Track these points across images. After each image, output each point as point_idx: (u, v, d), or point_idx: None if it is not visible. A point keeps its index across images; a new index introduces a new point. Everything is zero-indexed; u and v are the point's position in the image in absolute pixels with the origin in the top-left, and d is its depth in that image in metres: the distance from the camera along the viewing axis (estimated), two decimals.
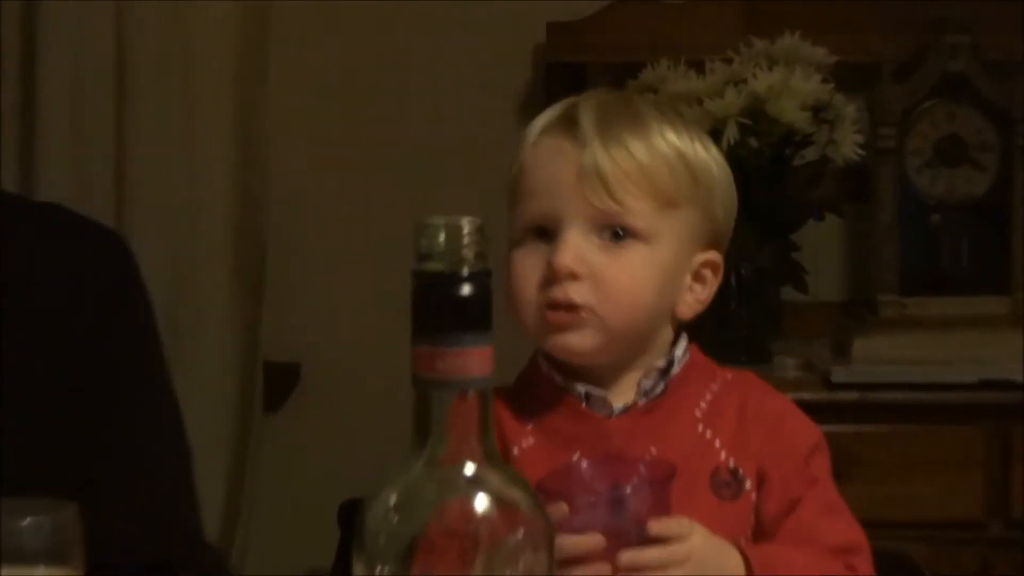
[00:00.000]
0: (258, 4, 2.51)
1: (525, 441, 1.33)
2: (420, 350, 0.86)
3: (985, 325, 2.32)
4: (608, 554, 1.17)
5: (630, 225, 1.29)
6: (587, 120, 1.31)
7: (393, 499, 0.87)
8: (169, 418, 1.55)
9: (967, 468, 2.25)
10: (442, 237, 0.86)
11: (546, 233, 1.31)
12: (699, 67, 2.34)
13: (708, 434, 1.32)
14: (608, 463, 1.22)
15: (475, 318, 0.86)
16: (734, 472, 1.31)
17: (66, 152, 2.41)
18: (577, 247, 1.29)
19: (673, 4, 2.57)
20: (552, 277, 1.29)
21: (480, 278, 0.86)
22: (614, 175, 1.29)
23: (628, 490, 1.18)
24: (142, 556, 1.42)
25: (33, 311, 1.46)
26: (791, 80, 2.27)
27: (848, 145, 2.33)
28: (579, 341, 1.30)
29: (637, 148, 1.30)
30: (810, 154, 2.36)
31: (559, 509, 1.16)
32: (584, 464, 1.23)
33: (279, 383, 2.63)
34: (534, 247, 1.31)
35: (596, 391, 1.32)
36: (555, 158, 1.31)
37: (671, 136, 1.32)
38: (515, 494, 0.87)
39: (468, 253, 0.86)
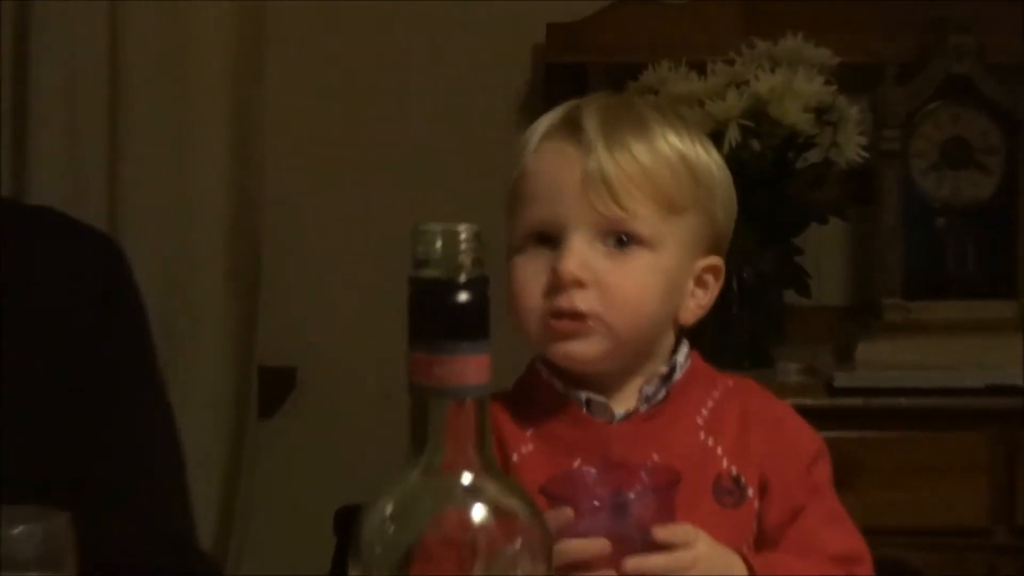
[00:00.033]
0: (254, 4, 2.51)
1: (525, 447, 1.33)
2: (417, 357, 0.86)
3: (990, 330, 2.32)
4: (612, 560, 1.17)
5: (635, 231, 1.30)
6: (591, 125, 1.31)
7: (389, 508, 0.87)
8: (162, 423, 1.55)
9: (972, 474, 2.25)
10: (439, 243, 0.86)
11: (548, 239, 1.31)
12: (700, 68, 2.34)
13: (710, 441, 1.33)
14: (613, 469, 1.22)
15: (472, 325, 0.86)
16: (736, 479, 1.31)
17: (59, 153, 2.41)
18: (582, 254, 1.29)
19: (674, 4, 2.57)
20: (556, 285, 1.29)
21: (477, 285, 0.86)
22: (619, 181, 1.29)
23: (633, 496, 1.19)
24: (134, 563, 1.42)
25: (26, 315, 1.46)
26: (794, 81, 2.27)
27: (851, 147, 2.33)
28: (584, 349, 1.30)
29: (641, 153, 1.30)
30: (813, 156, 2.36)
31: (563, 514, 1.17)
32: (589, 470, 1.23)
33: (274, 388, 2.63)
34: (536, 253, 1.31)
35: (597, 397, 1.32)
36: (558, 163, 1.31)
37: (673, 139, 1.32)
38: (513, 503, 0.87)
39: (465, 259, 0.86)
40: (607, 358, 1.31)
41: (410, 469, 0.87)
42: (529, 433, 1.33)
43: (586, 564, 1.17)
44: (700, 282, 1.35)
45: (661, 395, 1.33)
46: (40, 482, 1.38)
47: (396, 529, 0.86)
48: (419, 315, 0.86)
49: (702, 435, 1.33)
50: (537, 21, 2.58)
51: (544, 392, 1.34)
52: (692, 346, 1.37)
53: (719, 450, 1.32)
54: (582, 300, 1.29)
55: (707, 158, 1.34)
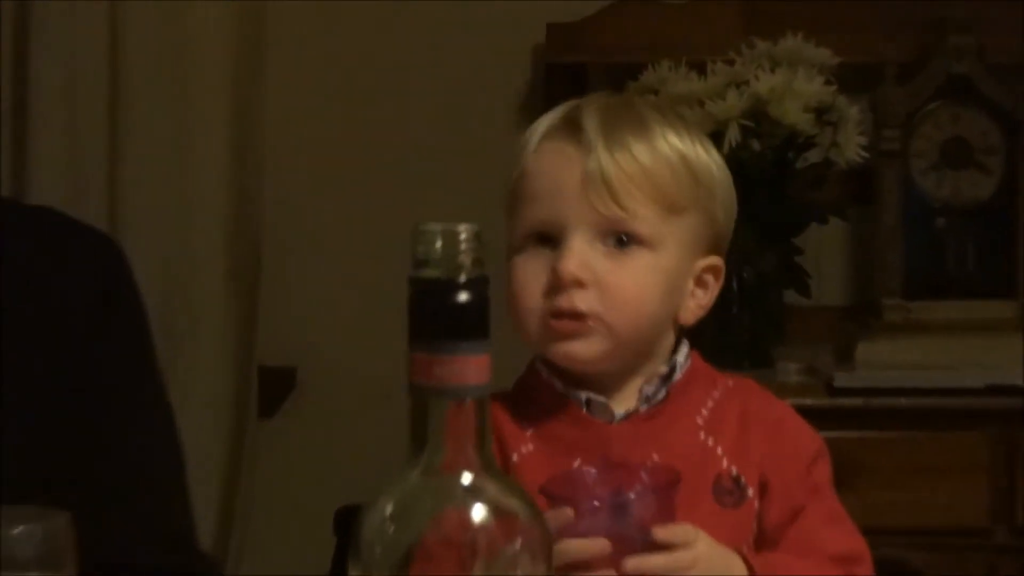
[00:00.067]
0: (254, 4, 2.51)
1: (525, 447, 1.33)
2: (417, 357, 0.86)
3: (990, 329, 2.32)
4: (613, 559, 1.17)
5: (635, 231, 1.30)
6: (591, 125, 1.31)
7: (389, 508, 0.87)
8: (162, 423, 1.55)
9: (972, 474, 2.25)
10: (439, 243, 0.86)
11: (548, 239, 1.31)
12: (700, 68, 2.34)
13: (710, 441, 1.33)
14: (613, 469, 1.22)
15: (472, 325, 0.86)
16: (736, 479, 1.31)
17: (59, 153, 2.42)
18: (582, 254, 1.29)
19: (674, 4, 2.57)
20: (557, 285, 1.29)
21: (477, 285, 0.86)
22: (619, 181, 1.29)
23: (633, 496, 1.19)
24: (135, 563, 1.42)
25: (26, 315, 1.47)
26: (794, 82, 2.27)
27: (851, 147, 2.33)
28: (584, 349, 1.30)
29: (641, 153, 1.30)
30: (813, 156, 2.36)
31: (564, 514, 1.17)
32: (589, 470, 1.23)
33: (274, 388, 2.63)
34: (536, 253, 1.31)
35: (597, 397, 1.33)
36: (559, 163, 1.31)
37: (673, 139, 1.32)
38: (513, 503, 0.87)
39: (465, 259, 0.86)
40: (607, 358, 1.31)
41: (410, 469, 0.87)
42: (529, 433, 1.33)
43: (586, 564, 1.17)
44: (700, 282, 1.35)
45: (661, 395, 1.33)
46: (40, 482, 1.38)
47: (396, 529, 0.86)
48: (419, 315, 0.86)
49: (702, 435, 1.33)
50: (537, 21, 2.58)
51: (544, 392, 1.34)
52: (692, 346, 1.37)
53: (719, 450, 1.32)
54: (582, 300, 1.29)
55: (707, 158, 1.34)
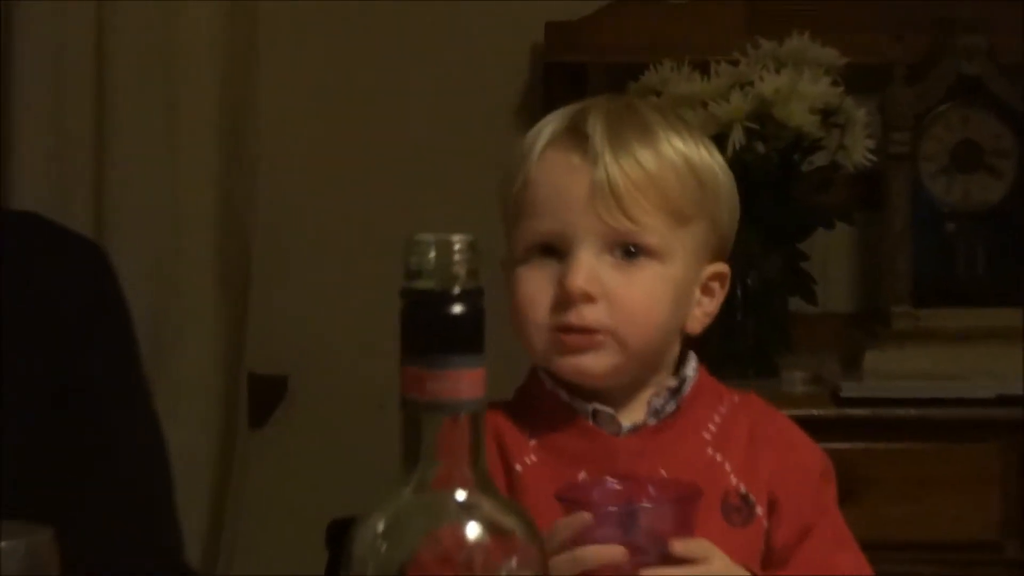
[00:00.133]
0: (245, 3, 2.51)
1: (528, 458, 1.33)
2: (409, 371, 0.86)
3: (1001, 338, 2.32)
4: (628, 569, 1.18)
5: (644, 243, 1.30)
6: (597, 132, 1.31)
7: (381, 525, 0.87)
8: (149, 434, 1.55)
9: (982, 487, 2.25)
10: (432, 254, 0.86)
11: (553, 250, 1.32)
12: (703, 69, 2.34)
13: (718, 457, 1.33)
14: (632, 480, 1.23)
15: (467, 338, 0.86)
16: (744, 497, 1.32)
17: (44, 157, 2.42)
18: (590, 267, 1.29)
19: (676, 3, 2.58)
20: (565, 299, 1.30)
21: (472, 296, 0.86)
22: (628, 192, 1.29)
23: (652, 506, 1.20)
24: None
25: (9, 324, 1.47)
26: (799, 83, 2.28)
27: (859, 150, 2.33)
28: (594, 363, 1.31)
29: (648, 161, 1.31)
30: (819, 159, 2.36)
31: (581, 518, 1.17)
32: (609, 479, 1.24)
33: (265, 396, 2.63)
34: (541, 265, 1.32)
35: (605, 408, 1.33)
36: (564, 173, 1.32)
37: (678, 143, 1.33)
38: (509, 521, 0.87)
39: (459, 270, 0.86)
40: (618, 372, 1.32)
41: (402, 485, 0.87)
42: (533, 444, 1.34)
43: (602, 571, 1.17)
44: (706, 290, 1.36)
45: (670, 408, 1.34)
46: (23, 495, 1.38)
47: (389, 547, 0.87)
48: (412, 328, 0.86)
49: (710, 450, 1.34)
50: (536, 20, 2.58)
51: (548, 402, 1.35)
52: (695, 356, 1.38)
53: (727, 466, 1.33)
54: (592, 314, 1.30)
55: (711, 161, 1.35)
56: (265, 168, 2.57)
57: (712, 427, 1.35)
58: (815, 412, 2.17)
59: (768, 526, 1.33)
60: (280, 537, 2.60)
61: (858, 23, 2.52)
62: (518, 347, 1.37)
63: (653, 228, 1.30)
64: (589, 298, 1.29)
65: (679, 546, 1.18)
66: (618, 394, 1.34)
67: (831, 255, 2.58)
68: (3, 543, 0.93)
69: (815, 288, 2.43)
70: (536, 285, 1.31)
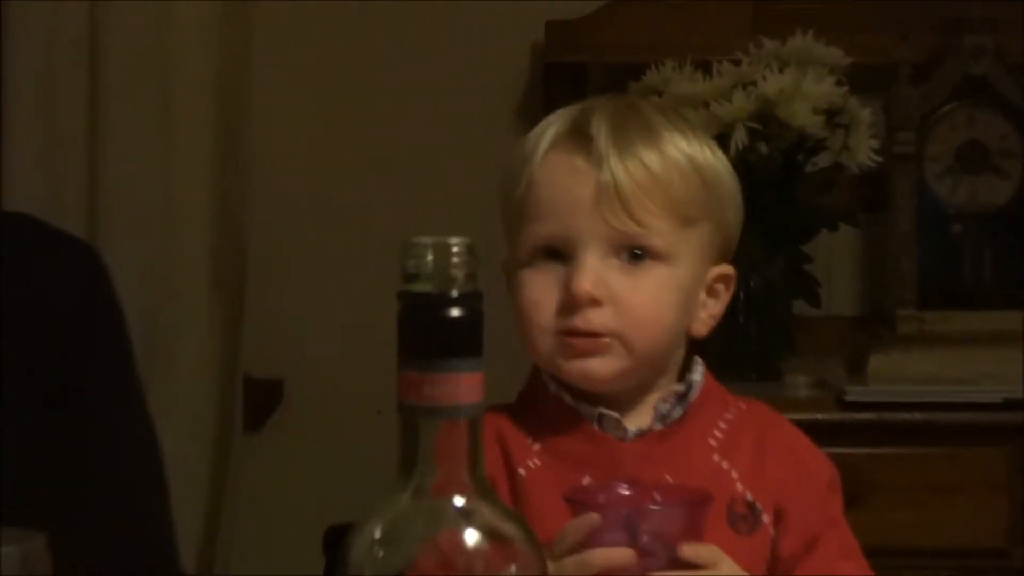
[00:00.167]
0: (240, 4, 2.51)
1: (532, 462, 1.34)
2: (406, 376, 0.86)
3: (1008, 341, 2.31)
4: (636, 572, 1.18)
5: (650, 246, 1.31)
6: (601, 134, 1.31)
7: (378, 532, 0.87)
8: (143, 438, 1.55)
9: (989, 492, 2.25)
10: (430, 257, 0.86)
11: (557, 253, 1.32)
12: (705, 68, 2.34)
13: (724, 464, 1.34)
14: (639, 484, 1.24)
15: (465, 342, 0.86)
16: (751, 505, 1.32)
17: (37, 158, 2.42)
18: (596, 271, 1.30)
19: (677, 2, 2.57)
20: (571, 303, 1.30)
21: (470, 300, 0.86)
22: (634, 194, 1.30)
23: (661, 510, 1.20)
24: None
25: (2, 327, 1.47)
26: (803, 82, 2.28)
27: (863, 151, 2.33)
28: (601, 367, 1.31)
29: (653, 162, 1.31)
30: (823, 160, 2.36)
31: (590, 519, 1.18)
32: (619, 483, 1.24)
33: (260, 400, 2.63)
34: (546, 269, 1.32)
35: (610, 413, 1.33)
36: (568, 176, 1.32)
37: (682, 144, 1.33)
38: (508, 528, 0.87)
39: (457, 273, 0.86)
40: (624, 376, 1.32)
41: (400, 491, 0.87)
42: (536, 448, 1.34)
43: (610, 574, 1.18)
44: (711, 291, 1.37)
45: (677, 414, 1.34)
46: (18, 496, 1.38)
47: (386, 554, 0.87)
48: (409, 331, 0.86)
49: (716, 457, 1.34)
50: (536, 19, 2.58)
51: (551, 406, 1.35)
52: (702, 360, 1.38)
53: (733, 474, 1.33)
54: (598, 318, 1.30)
55: (715, 161, 1.36)
56: (261, 168, 2.57)
57: (718, 434, 1.35)
58: (819, 416, 2.17)
59: (774, 535, 1.33)
60: (276, 543, 2.60)
61: (862, 22, 2.52)
62: (517, 350, 1.38)
63: (659, 230, 1.31)
64: (595, 302, 1.29)
65: (688, 550, 1.18)
66: (623, 398, 1.34)
67: (835, 257, 2.58)
68: None
69: (819, 291, 2.43)
70: (541, 289, 1.32)
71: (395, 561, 0.87)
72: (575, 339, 1.30)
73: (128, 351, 1.56)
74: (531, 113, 2.58)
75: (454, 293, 0.86)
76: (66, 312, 1.49)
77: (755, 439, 1.36)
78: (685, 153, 1.33)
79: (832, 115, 2.32)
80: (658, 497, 1.22)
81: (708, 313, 1.37)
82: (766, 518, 1.33)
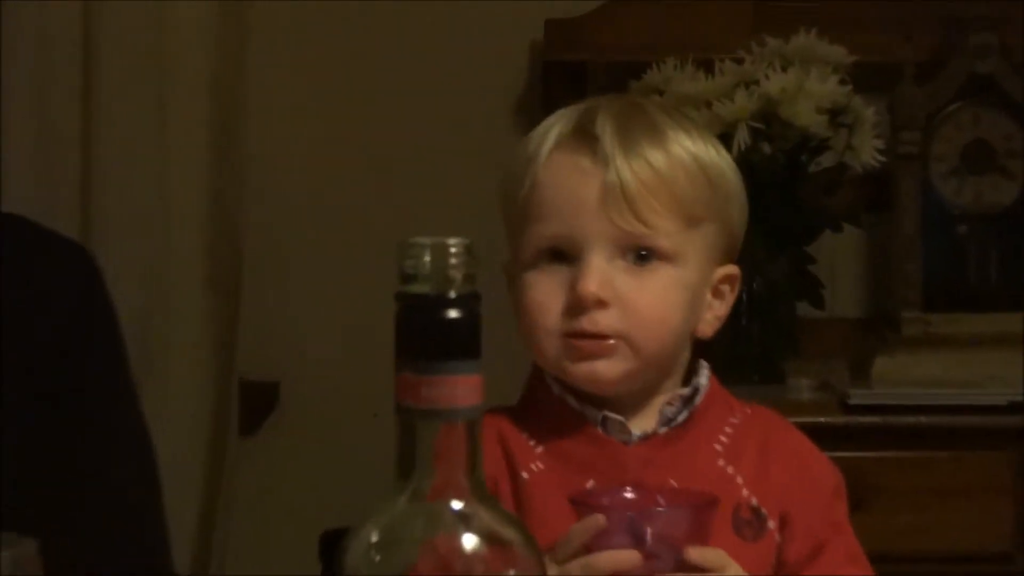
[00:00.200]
0: (236, 3, 2.51)
1: (535, 465, 1.34)
2: (404, 378, 0.86)
3: (1014, 343, 2.31)
4: (642, 575, 1.18)
5: (657, 246, 1.31)
6: (606, 135, 1.32)
7: (375, 536, 0.87)
8: (136, 442, 1.55)
9: (995, 496, 2.25)
10: (428, 257, 0.86)
11: (562, 254, 1.32)
12: (707, 67, 2.34)
13: (729, 469, 1.34)
14: (644, 488, 1.24)
15: (463, 343, 0.86)
16: (756, 511, 1.33)
17: (29, 158, 2.41)
18: (602, 272, 1.30)
19: (678, 0, 2.58)
20: (577, 305, 1.30)
21: (468, 301, 0.86)
22: (640, 194, 1.30)
23: (667, 512, 1.20)
24: None
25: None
26: (806, 81, 2.28)
27: (867, 151, 2.33)
28: (608, 369, 1.31)
29: (659, 162, 1.32)
30: (827, 160, 2.36)
31: (596, 520, 1.18)
32: (623, 487, 1.24)
33: (256, 403, 2.63)
34: (551, 270, 1.32)
35: (615, 416, 1.34)
36: (573, 176, 1.32)
37: (688, 143, 1.34)
38: (507, 532, 0.87)
39: (456, 274, 0.86)
40: (631, 378, 1.32)
41: (397, 495, 0.87)
42: (539, 451, 1.34)
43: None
44: (717, 292, 1.37)
45: (682, 418, 1.34)
46: (11, 500, 1.38)
47: (382, 558, 0.87)
48: (407, 333, 0.86)
49: (721, 462, 1.34)
50: (535, 17, 2.58)
51: (555, 408, 1.35)
52: (707, 364, 1.39)
53: (738, 479, 1.34)
54: (605, 320, 1.30)
55: (720, 160, 1.36)
56: (257, 169, 2.57)
57: (724, 438, 1.35)
58: (823, 420, 2.17)
59: (780, 541, 1.33)
60: (272, 548, 2.60)
61: (867, 20, 2.52)
62: (518, 352, 1.38)
63: (665, 231, 1.31)
64: (602, 303, 1.30)
65: (694, 554, 1.18)
66: (629, 401, 1.35)
67: (839, 258, 2.58)
68: None
69: (822, 292, 2.43)
70: (546, 290, 1.32)
71: (392, 565, 0.87)
72: (581, 341, 1.31)
73: (122, 353, 1.56)
74: (530, 112, 2.58)
75: (452, 294, 0.86)
76: (62, 313, 1.49)
77: (760, 444, 1.36)
78: (690, 152, 1.33)
79: (836, 115, 2.32)
80: (662, 501, 1.22)
81: (714, 314, 1.37)
82: (771, 524, 1.33)
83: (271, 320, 2.65)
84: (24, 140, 2.41)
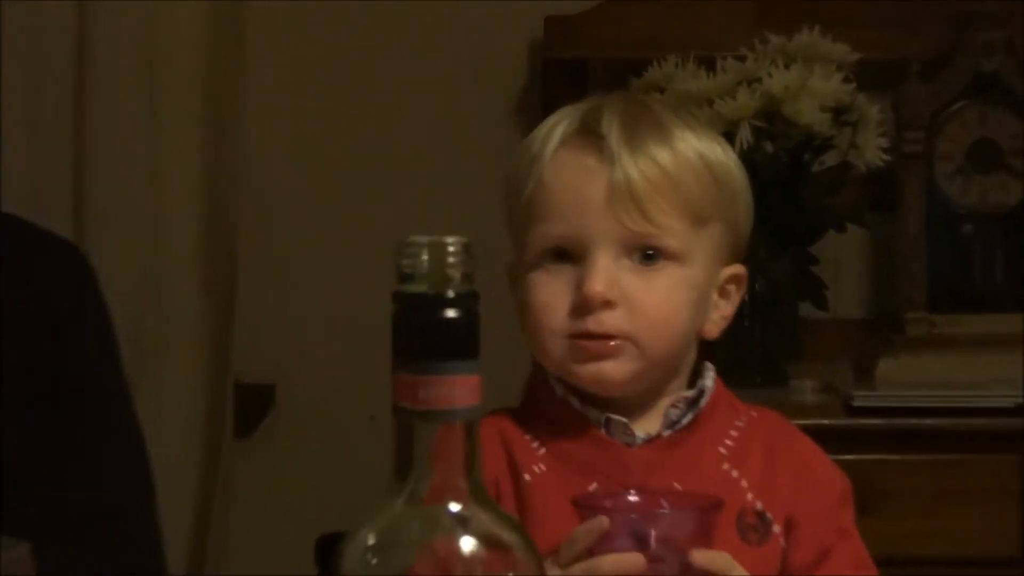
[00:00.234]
0: (229, 4, 2.51)
1: (537, 467, 1.34)
2: (401, 378, 0.86)
3: (1020, 345, 2.31)
4: None
5: (664, 246, 1.31)
6: (612, 133, 1.32)
7: (371, 539, 0.87)
8: (130, 445, 1.56)
9: (1001, 500, 2.25)
10: (425, 256, 0.86)
11: (567, 254, 1.32)
12: (709, 64, 2.34)
13: (734, 473, 1.34)
14: (647, 492, 1.24)
15: (461, 343, 0.86)
16: (761, 515, 1.33)
17: (22, 158, 2.41)
18: (609, 272, 1.30)
19: None
20: (583, 305, 1.30)
21: (466, 300, 0.86)
22: (646, 193, 1.30)
23: (672, 515, 1.21)
24: None
25: None
26: (809, 79, 2.28)
27: (871, 150, 2.33)
28: (615, 370, 1.32)
29: (666, 161, 1.32)
30: (830, 159, 2.36)
31: (599, 522, 1.18)
32: (629, 489, 1.24)
33: (251, 406, 2.63)
34: (556, 270, 1.32)
35: (618, 418, 1.34)
36: (579, 175, 1.32)
37: (694, 142, 1.34)
38: (505, 535, 0.88)
39: (454, 273, 0.86)
40: (638, 379, 1.33)
41: (394, 497, 0.87)
42: (542, 453, 1.34)
43: None
44: (723, 292, 1.38)
45: (687, 420, 1.35)
46: (6, 499, 1.39)
47: (379, 561, 0.87)
48: (404, 333, 0.86)
49: (726, 466, 1.34)
50: (535, 14, 2.58)
51: (558, 410, 1.35)
52: (712, 366, 1.39)
53: (744, 483, 1.34)
54: (612, 320, 1.30)
55: (726, 159, 1.37)
56: (251, 169, 2.57)
57: (728, 442, 1.35)
58: (826, 422, 2.17)
59: (785, 546, 1.33)
60: (268, 551, 2.60)
61: (871, 18, 2.52)
62: (518, 352, 1.38)
63: (672, 230, 1.31)
64: (608, 304, 1.30)
65: (699, 556, 1.18)
66: (634, 403, 1.35)
67: (842, 259, 2.58)
68: None
69: (825, 293, 2.43)
70: (551, 291, 1.32)
71: (389, 568, 0.87)
72: (587, 342, 1.31)
73: (116, 353, 1.57)
74: (530, 110, 2.58)
75: (450, 293, 0.86)
76: (57, 313, 1.50)
77: (765, 448, 1.36)
78: (697, 151, 1.33)
79: (839, 113, 2.32)
80: (666, 504, 1.22)
81: (720, 314, 1.37)
82: (776, 528, 1.33)
83: (267, 321, 2.65)
84: (18, 140, 2.42)
